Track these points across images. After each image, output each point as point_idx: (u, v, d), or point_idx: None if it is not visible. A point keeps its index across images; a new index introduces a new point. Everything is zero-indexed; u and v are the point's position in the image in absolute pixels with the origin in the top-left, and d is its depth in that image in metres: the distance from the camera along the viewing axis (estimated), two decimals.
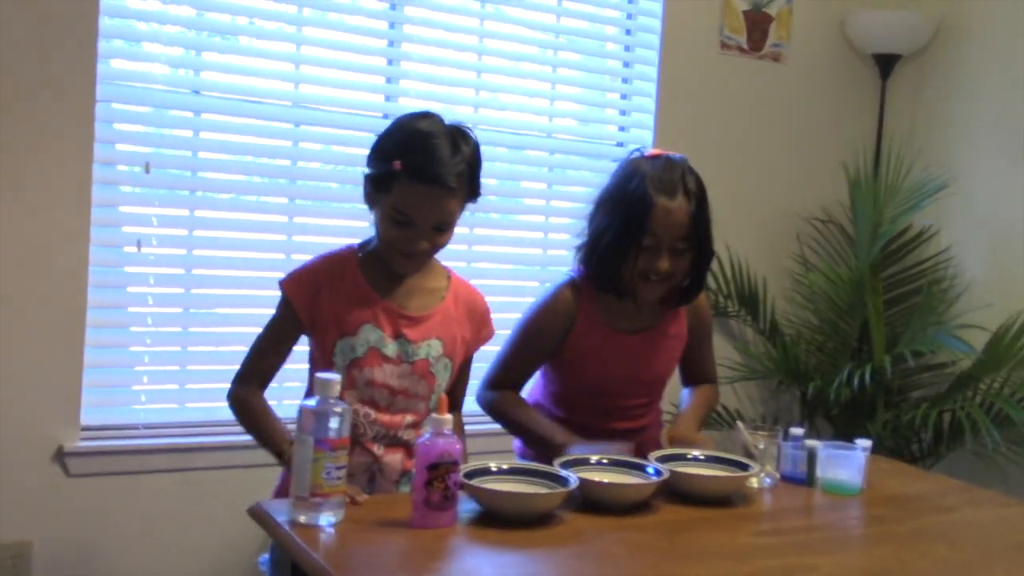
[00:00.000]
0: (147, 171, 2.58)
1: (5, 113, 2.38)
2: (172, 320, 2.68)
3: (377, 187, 1.72)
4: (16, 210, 2.41)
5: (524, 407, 2.09)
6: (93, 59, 2.47)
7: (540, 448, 2.01)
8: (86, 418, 2.54)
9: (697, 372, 2.26)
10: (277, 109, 2.78)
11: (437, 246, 1.76)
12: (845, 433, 3.31)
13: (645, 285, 1.98)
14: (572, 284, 2.06)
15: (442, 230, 1.74)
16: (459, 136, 1.75)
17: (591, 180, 3.34)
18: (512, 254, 3.22)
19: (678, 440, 2.04)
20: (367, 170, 1.76)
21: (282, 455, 1.71)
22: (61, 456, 2.50)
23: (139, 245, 2.58)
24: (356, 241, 1.85)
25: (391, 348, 1.78)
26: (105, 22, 2.50)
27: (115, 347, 2.61)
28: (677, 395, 2.29)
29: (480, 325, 1.92)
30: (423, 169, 1.67)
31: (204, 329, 2.73)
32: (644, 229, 1.92)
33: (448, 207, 1.71)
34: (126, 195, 2.61)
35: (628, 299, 2.04)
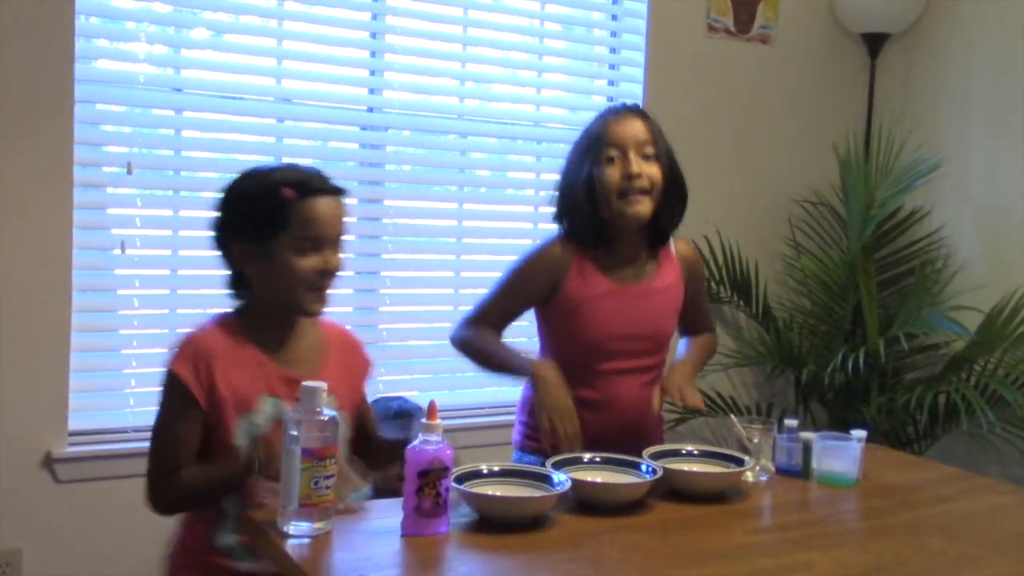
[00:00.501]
0: (129, 172, 2.55)
1: None
2: (159, 322, 2.65)
3: (262, 237, 1.64)
4: None
5: (496, 342, 2.07)
6: (71, 59, 2.43)
7: (507, 374, 2.04)
8: (74, 423, 2.52)
9: (695, 324, 2.23)
10: (260, 105, 2.75)
11: (339, 267, 1.70)
12: (840, 417, 3.31)
13: (627, 202, 1.96)
14: (562, 239, 2.06)
15: (340, 245, 1.71)
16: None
17: None
18: (502, 245, 3.19)
19: (675, 388, 2.03)
20: (224, 242, 1.69)
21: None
22: (50, 462, 2.47)
23: (123, 247, 2.55)
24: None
25: (282, 411, 1.66)
26: (82, 21, 2.46)
27: (102, 351, 2.59)
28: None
29: (359, 362, 1.85)
30: (312, 184, 1.66)
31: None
32: (603, 143, 1.97)
33: (345, 212, 1.71)
34: (108, 197, 2.58)
35: (616, 247, 2.03)
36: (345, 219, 1.71)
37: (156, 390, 2.61)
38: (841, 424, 3.35)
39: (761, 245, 3.55)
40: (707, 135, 3.43)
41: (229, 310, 1.73)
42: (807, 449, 1.95)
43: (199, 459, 1.66)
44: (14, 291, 2.40)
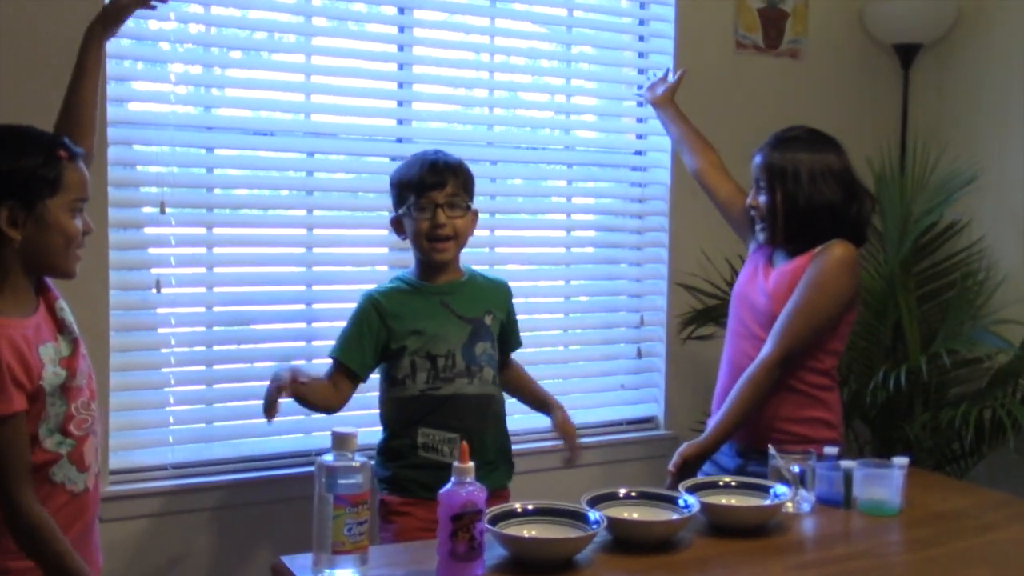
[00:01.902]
0: (162, 211, 2.57)
1: None
2: (196, 359, 2.67)
3: (39, 198, 1.67)
4: None
5: None
6: (103, 102, 2.45)
7: None
8: (114, 462, 2.54)
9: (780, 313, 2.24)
10: (289, 140, 2.76)
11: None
12: (883, 435, 3.25)
13: (754, 226, 2.38)
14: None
15: None
16: None
17: (612, 191, 3.31)
18: (534, 271, 3.18)
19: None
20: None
21: None
22: None
23: (158, 286, 2.57)
24: None
25: (64, 347, 1.74)
26: (113, 65, 2.48)
27: (139, 389, 2.60)
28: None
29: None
30: (75, 147, 1.78)
31: (228, 366, 2.71)
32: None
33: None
34: (142, 237, 2.60)
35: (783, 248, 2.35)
36: None
37: (195, 427, 2.67)
38: (884, 442, 3.30)
39: None
40: (738, 152, 3.38)
41: None
42: (848, 478, 1.92)
43: None
44: None
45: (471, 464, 1.50)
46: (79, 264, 1.76)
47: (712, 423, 2.22)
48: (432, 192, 2.23)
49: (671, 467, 2.14)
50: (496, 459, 2.31)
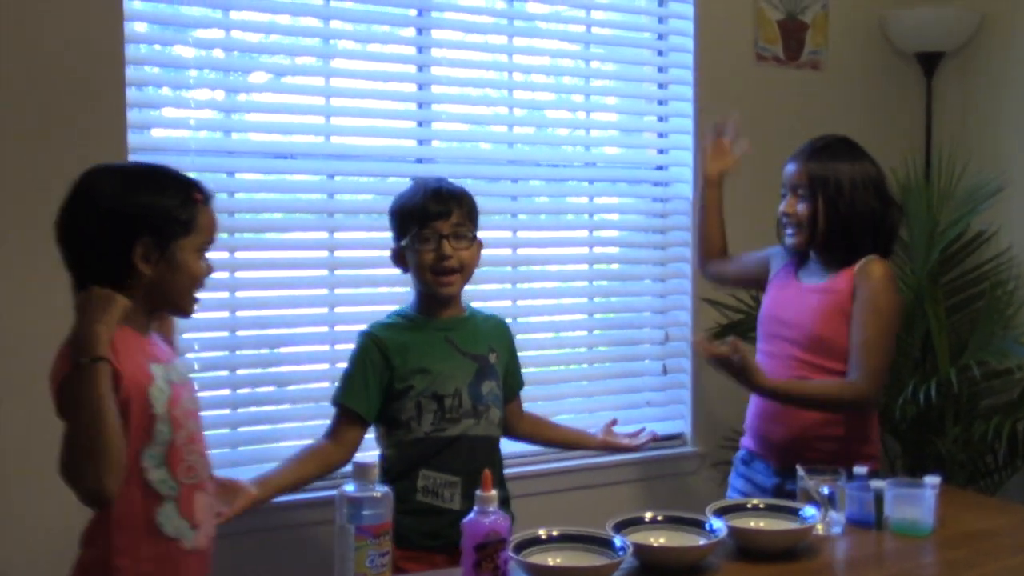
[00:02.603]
0: None
1: (40, 188, 2.38)
2: (219, 383, 2.67)
3: (174, 236, 1.69)
4: (57, 285, 2.41)
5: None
6: (123, 128, 2.47)
7: None
8: None
9: (850, 345, 2.22)
10: (310, 163, 2.77)
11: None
12: (914, 449, 3.21)
13: (786, 229, 2.36)
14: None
15: None
16: None
17: (634, 207, 3.29)
18: (557, 288, 3.17)
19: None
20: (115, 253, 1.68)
21: None
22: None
23: None
24: None
25: (175, 374, 1.74)
26: (133, 92, 2.50)
27: None
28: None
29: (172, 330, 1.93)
30: (208, 191, 1.79)
31: (252, 390, 2.71)
32: (782, 183, 2.39)
33: None
34: None
35: (811, 259, 2.37)
36: None
37: (220, 451, 2.67)
38: (915, 457, 3.25)
39: None
40: (760, 165, 3.35)
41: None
42: (879, 498, 1.89)
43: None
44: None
45: (494, 492, 1.49)
46: (195, 303, 1.76)
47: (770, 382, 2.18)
48: (436, 222, 2.13)
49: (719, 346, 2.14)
50: (499, 496, 2.19)
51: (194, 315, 2.54)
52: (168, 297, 1.72)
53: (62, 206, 1.69)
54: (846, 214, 2.27)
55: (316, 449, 2.16)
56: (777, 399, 2.22)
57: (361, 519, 1.43)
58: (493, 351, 2.24)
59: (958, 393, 3.12)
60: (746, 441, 2.44)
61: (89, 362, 1.53)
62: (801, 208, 2.30)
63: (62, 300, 2.39)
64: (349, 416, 2.15)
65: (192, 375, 2.60)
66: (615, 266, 3.28)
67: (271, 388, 2.75)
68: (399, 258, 2.22)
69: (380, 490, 1.45)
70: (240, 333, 2.70)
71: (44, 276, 2.38)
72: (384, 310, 2.87)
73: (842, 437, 2.25)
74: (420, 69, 2.92)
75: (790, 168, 2.36)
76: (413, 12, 2.88)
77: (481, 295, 2.82)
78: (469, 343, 2.20)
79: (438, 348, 2.17)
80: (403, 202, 2.20)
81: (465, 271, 2.17)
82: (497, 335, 2.30)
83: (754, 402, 2.38)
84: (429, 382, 2.13)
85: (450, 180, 2.26)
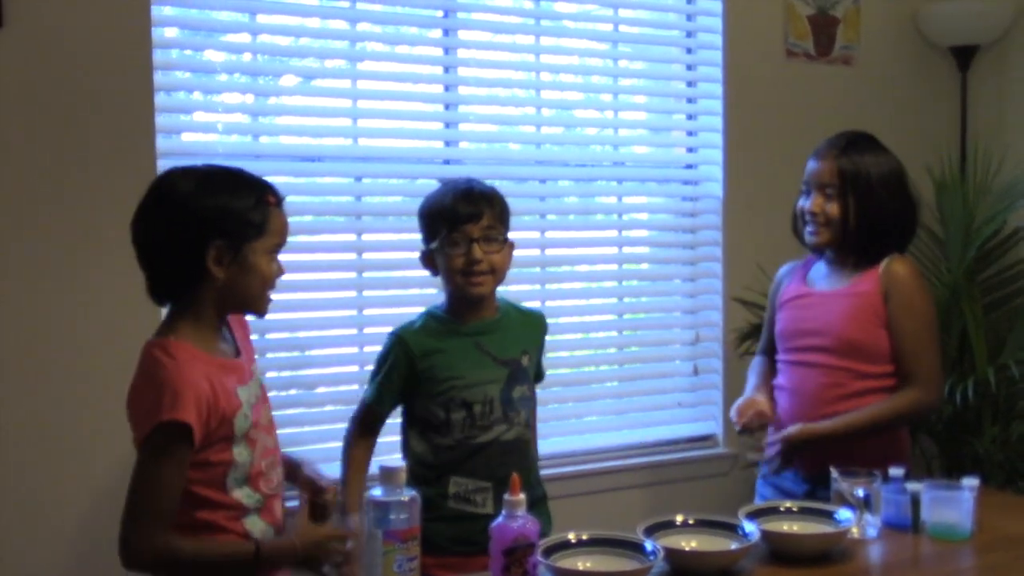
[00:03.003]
0: None
1: (71, 192, 2.40)
2: None
3: (247, 238, 1.68)
4: (88, 292, 2.43)
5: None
6: (152, 133, 2.48)
7: None
8: None
9: (899, 358, 2.20)
10: (337, 165, 2.77)
11: None
12: (951, 450, 3.15)
13: (808, 229, 2.30)
14: (793, 265, 2.48)
15: None
16: None
17: (664, 206, 3.26)
18: (586, 289, 3.14)
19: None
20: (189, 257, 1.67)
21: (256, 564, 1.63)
22: None
23: None
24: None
25: (253, 391, 1.72)
26: (161, 96, 2.51)
27: None
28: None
29: (248, 332, 1.87)
30: (280, 193, 1.77)
31: (280, 393, 2.71)
32: (804, 177, 2.34)
33: None
34: None
35: (826, 261, 2.34)
36: None
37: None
38: (952, 458, 3.19)
39: None
40: (791, 162, 3.30)
41: (169, 336, 1.66)
42: (915, 501, 1.85)
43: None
44: (107, 367, 2.44)
45: (522, 496, 1.47)
46: (268, 304, 1.76)
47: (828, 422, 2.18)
48: (467, 225, 2.05)
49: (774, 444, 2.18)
50: (532, 495, 2.10)
51: None
52: (241, 299, 1.71)
53: (138, 207, 1.69)
54: (876, 212, 2.24)
55: (366, 449, 2.16)
56: (858, 433, 2.17)
57: (389, 523, 1.42)
58: (526, 353, 2.18)
59: (996, 393, 3.07)
60: (771, 446, 2.37)
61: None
62: (831, 207, 2.25)
63: (93, 299, 2.42)
64: (371, 410, 2.16)
65: None
66: (644, 266, 3.25)
67: (299, 391, 2.76)
68: (428, 261, 2.17)
69: (408, 494, 1.44)
70: (269, 336, 2.70)
71: (77, 276, 2.41)
72: (412, 312, 2.87)
73: (877, 443, 2.20)
74: (447, 70, 2.91)
75: (817, 165, 2.30)
76: (440, 13, 2.88)
77: (510, 296, 2.80)
78: (501, 347, 2.14)
79: (469, 355, 2.11)
80: (432, 204, 2.15)
81: (497, 273, 2.11)
82: (532, 333, 2.23)
83: (782, 407, 2.33)
84: (459, 390, 2.08)
85: (480, 180, 2.21)
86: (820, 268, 2.36)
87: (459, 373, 2.08)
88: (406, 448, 2.17)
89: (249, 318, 1.85)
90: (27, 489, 2.38)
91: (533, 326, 2.25)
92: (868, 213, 2.23)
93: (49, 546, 2.40)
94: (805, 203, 2.31)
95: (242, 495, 1.66)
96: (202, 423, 1.58)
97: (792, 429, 2.17)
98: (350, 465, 2.13)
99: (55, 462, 2.40)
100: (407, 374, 2.10)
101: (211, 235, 1.63)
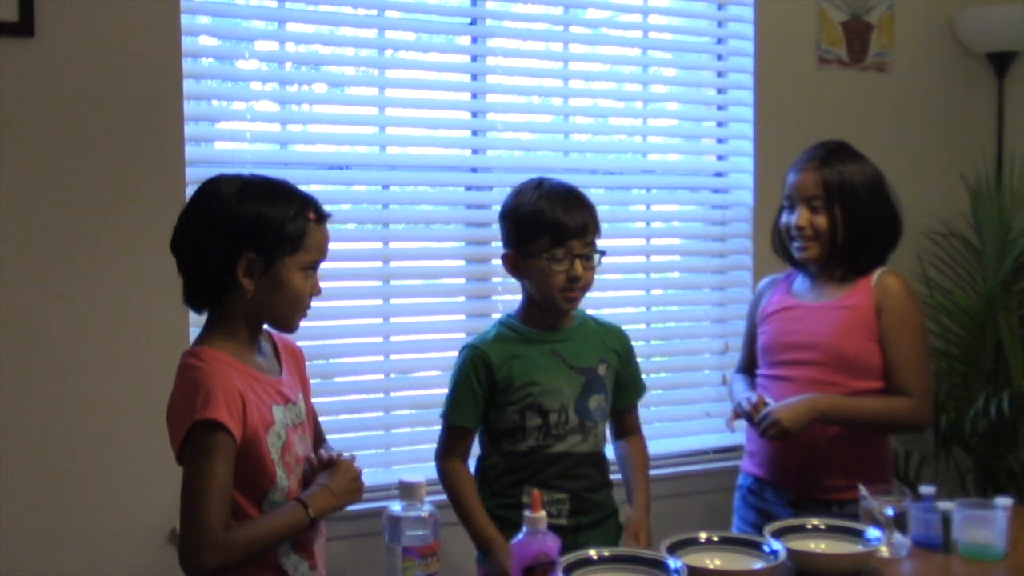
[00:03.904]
0: None
1: (100, 202, 2.41)
2: None
3: (280, 253, 1.65)
4: (114, 298, 2.44)
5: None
6: (181, 142, 2.49)
7: None
8: None
9: (891, 372, 2.16)
10: (365, 174, 2.77)
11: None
12: (985, 464, 3.10)
13: (796, 244, 2.24)
14: (774, 276, 2.44)
15: None
16: None
17: (693, 214, 3.23)
18: (616, 298, 3.12)
19: None
20: (219, 261, 1.65)
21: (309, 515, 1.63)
22: (175, 537, 2.51)
23: None
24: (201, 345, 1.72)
25: (289, 417, 1.70)
26: (191, 105, 2.52)
27: None
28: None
29: (304, 366, 1.86)
30: (322, 210, 1.75)
31: None
32: (784, 191, 2.29)
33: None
34: None
35: (810, 275, 2.28)
36: None
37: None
38: (987, 472, 3.14)
39: None
40: None
41: (204, 345, 1.67)
42: (947, 520, 1.81)
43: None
44: (135, 374, 2.46)
45: (543, 513, 1.45)
46: (300, 320, 1.73)
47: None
48: (573, 240, 1.97)
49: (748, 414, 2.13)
50: (608, 507, 2.12)
51: None
52: (270, 314, 1.69)
53: (182, 210, 1.70)
54: (863, 221, 2.19)
55: (470, 479, 2.07)
56: (834, 421, 2.12)
57: (407, 540, 1.40)
58: (603, 362, 2.10)
59: None
60: (751, 467, 2.32)
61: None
62: (818, 219, 2.20)
63: (123, 307, 2.43)
64: (462, 431, 2.07)
65: None
66: (676, 275, 3.22)
67: (326, 399, 2.75)
68: (513, 263, 2.05)
69: (427, 510, 1.42)
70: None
71: (107, 284, 2.42)
72: (439, 320, 2.87)
73: (860, 459, 2.16)
74: (474, 78, 2.90)
75: (799, 178, 2.23)
76: (467, 21, 2.87)
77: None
78: (577, 355, 2.07)
79: (545, 361, 2.04)
80: (530, 207, 2.01)
81: (587, 289, 2.05)
82: (610, 343, 2.15)
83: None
84: (535, 396, 2.01)
85: (572, 184, 2.10)
86: (804, 281, 2.31)
87: (536, 379, 2.02)
88: (479, 458, 2.12)
89: None
90: (43, 491, 2.40)
91: (612, 337, 2.17)
92: (856, 223, 2.19)
93: (56, 547, 2.42)
94: (790, 218, 2.24)
95: None
96: (235, 423, 1.57)
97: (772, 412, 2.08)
98: (465, 501, 2.02)
99: (80, 465, 2.42)
100: (488, 384, 2.03)
101: (243, 246, 1.61)
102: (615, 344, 2.16)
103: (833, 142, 2.30)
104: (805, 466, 2.15)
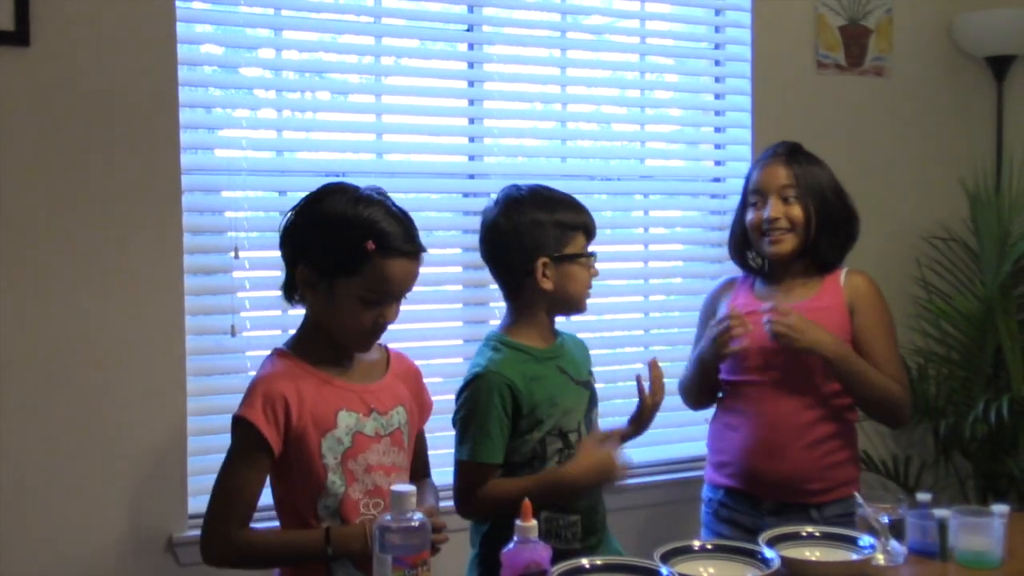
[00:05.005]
0: (236, 256, 2.59)
1: (97, 208, 2.41)
2: None
3: (333, 274, 1.65)
4: (112, 305, 2.44)
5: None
6: (177, 150, 2.49)
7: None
8: (194, 506, 2.55)
9: (872, 363, 2.17)
10: (361, 181, 2.74)
11: (391, 322, 1.72)
12: (985, 469, 3.09)
13: (767, 239, 2.23)
14: (731, 278, 2.43)
15: (400, 300, 1.72)
16: (388, 200, 1.72)
17: (691, 220, 3.23)
18: (613, 304, 3.11)
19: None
20: (293, 255, 1.72)
21: (328, 548, 1.64)
22: (172, 546, 2.51)
23: (233, 331, 2.58)
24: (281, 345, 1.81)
25: (369, 426, 1.71)
26: (187, 113, 2.52)
27: (218, 434, 2.61)
28: None
29: (420, 390, 1.86)
30: (395, 241, 1.65)
31: None
32: (749, 187, 2.29)
33: (416, 271, 1.71)
34: (218, 282, 2.62)
35: (779, 275, 2.28)
36: (417, 276, 1.72)
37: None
38: (987, 477, 3.12)
39: (888, 287, 3.32)
40: None
41: (283, 347, 1.77)
42: (943, 528, 1.80)
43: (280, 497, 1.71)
44: (131, 381, 2.46)
45: (534, 523, 1.45)
46: (372, 344, 1.75)
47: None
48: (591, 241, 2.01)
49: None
50: (606, 533, 2.07)
51: (247, 334, 2.60)
52: (327, 327, 1.71)
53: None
54: (831, 216, 2.23)
55: (501, 485, 1.92)
56: (840, 370, 2.12)
57: (398, 549, 1.40)
58: (591, 373, 2.11)
59: None
60: (720, 478, 2.29)
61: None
62: (793, 211, 2.22)
63: (117, 314, 2.43)
64: (490, 470, 1.90)
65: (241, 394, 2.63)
66: (678, 280, 3.22)
67: None
68: (540, 271, 1.94)
69: (418, 519, 1.42)
70: None
71: (102, 291, 2.42)
72: (436, 327, 2.86)
73: (843, 462, 2.21)
74: (471, 84, 2.90)
75: (768, 172, 2.25)
76: (464, 27, 2.87)
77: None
78: (577, 369, 2.03)
79: (558, 379, 1.97)
80: (564, 210, 1.99)
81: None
82: (586, 355, 2.15)
83: (744, 436, 2.23)
84: (556, 419, 1.93)
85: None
86: (764, 284, 2.32)
87: (556, 400, 1.94)
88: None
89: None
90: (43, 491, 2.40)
91: (584, 349, 2.17)
92: (824, 216, 2.22)
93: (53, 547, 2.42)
94: (764, 212, 2.24)
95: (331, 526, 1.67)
96: (272, 425, 1.63)
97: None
98: (509, 489, 1.87)
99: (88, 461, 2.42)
100: (512, 411, 1.90)
101: (300, 254, 1.68)
102: (588, 355, 2.17)
103: (789, 142, 2.33)
104: (796, 474, 2.15)
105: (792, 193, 2.21)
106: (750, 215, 2.28)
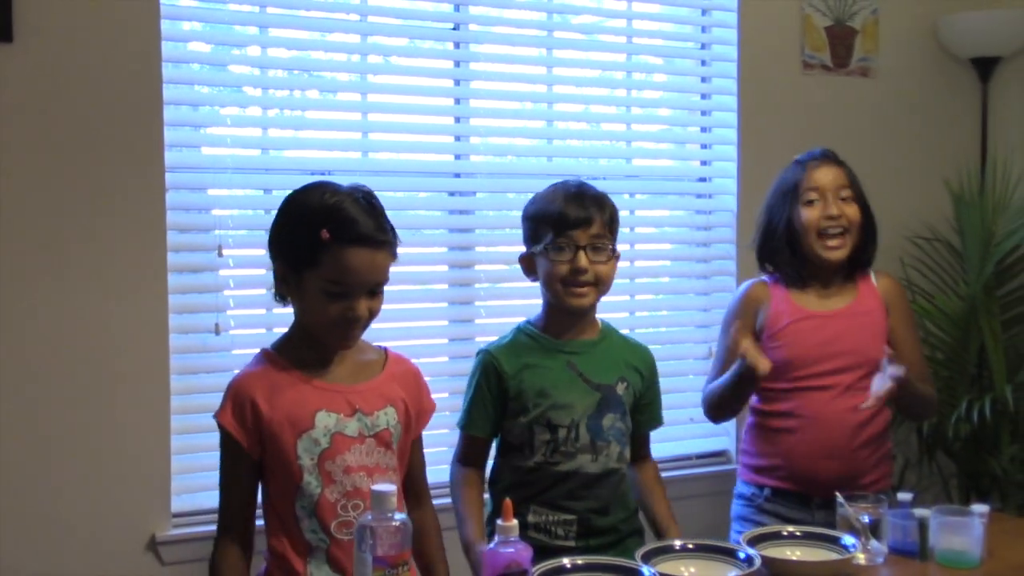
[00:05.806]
0: (220, 254, 2.58)
1: (80, 206, 2.41)
2: None
3: (297, 267, 1.64)
4: (95, 303, 2.43)
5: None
6: (161, 148, 2.48)
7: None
8: (177, 505, 2.55)
9: (905, 362, 2.13)
10: (347, 179, 2.75)
11: (374, 312, 1.67)
12: (968, 468, 3.10)
13: (825, 242, 2.20)
14: (760, 280, 2.32)
15: (376, 293, 1.67)
16: (361, 193, 1.68)
17: (677, 219, 3.23)
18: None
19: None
20: (273, 263, 1.70)
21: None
22: (154, 545, 2.50)
23: (217, 329, 2.58)
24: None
25: (352, 427, 1.68)
26: (171, 111, 2.51)
27: (201, 432, 2.60)
28: None
29: (420, 393, 1.82)
30: (355, 230, 1.61)
31: None
32: (802, 186, 2.22)
33: (385, 263, 1.66)
34: (201, 280, 2.61)
35: (814, 280, 2.24)
36: (384, 269, 1.67)
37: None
38: (970, 477, 3.14)
39: None
40: None
41: (270, 347, 1.75)
42: (923, 527, 1.81)
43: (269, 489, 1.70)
44: (114, 379, 2.45)
45: (515, 522, 1.45)
46: (351, 339, 1.70)
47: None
48: (574, 231, 1.90)
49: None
50: (624, 529, 2.01)
51: (231, 333, 2.59)
52: (309, 328, 1.69)
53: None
54: (873, 218, 2.28)
55: (475, 484, 2.00)
56: (905, 393, 2.10)
57: (378, 548, 1.40)
58: (623, 380, 2.00)
59: (1015, 411, 3.02)
60: (767, 480, 2.26)
61: None
62: (851, 211, 2.22)
63: (100, 312, 2.42)
64: (475, 440, 2.01)
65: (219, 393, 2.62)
66: (666, 279, 3.22)
67: None
68: (528, 264, 2.01)
69: (398, 519, 1.42)
70: None
71: (83, 288, 2.41)
72: (421, 326, 2.86)
73: (886, 455, 2.26)
74: (457, 83, 2.90)
75: (823, 171, 2.22)
76: (450, 26, 2.87)
77: (523, 310, 2.79)
78: (595, 370, 1.98)
79: (559, 373, 1.96)
80: (539, 206, 1.99)
81: (601, 286, 1.96)
82: (633, 362, 2.05)
83: (799, 439, 2.19)
84: (543, 410, 1.93)
85: (592, 184, 2.05)
86: (799, 289, 2.27)
87: (547, 391, 1.94)
88: (491, 471, 2.06)
89: None
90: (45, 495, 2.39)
91: (636, 355, 2.07)
92: (870, 219, 2.27)
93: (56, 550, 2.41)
94: (826, 210, 2.18)
95: (306, 528, 1.66)
96: (241, 425, 1.65)
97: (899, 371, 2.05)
98: (462, 503, 1.96)
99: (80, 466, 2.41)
100: (498, 392, 1.97)
101: (275, 251, 1.68)
102: (639, 363, 2.06)
103: (824, 148, 2.34)
104: (847, 474, 2.13)
105: (849, 193, 2.22)
106: (805, 213, 2.20)
